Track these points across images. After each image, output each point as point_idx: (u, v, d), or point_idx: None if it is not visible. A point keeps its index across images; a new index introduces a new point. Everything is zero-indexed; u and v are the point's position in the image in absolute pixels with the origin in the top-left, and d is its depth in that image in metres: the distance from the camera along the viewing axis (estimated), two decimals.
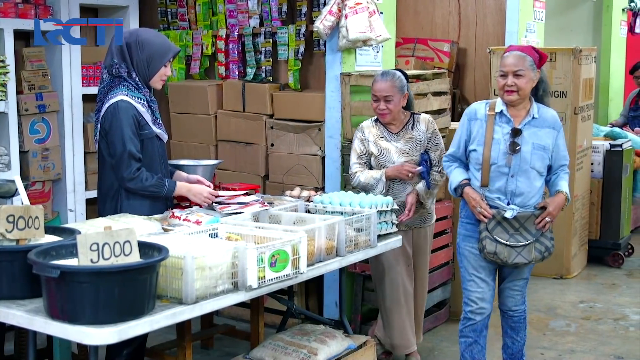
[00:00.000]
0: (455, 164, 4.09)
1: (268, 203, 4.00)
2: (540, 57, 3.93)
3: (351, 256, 3.74)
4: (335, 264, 3.65)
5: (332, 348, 3.72)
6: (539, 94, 3.99)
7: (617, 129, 7.98)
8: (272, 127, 5.39)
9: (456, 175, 4.04)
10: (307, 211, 4.04)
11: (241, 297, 3.11)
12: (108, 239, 2.69)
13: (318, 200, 4.11)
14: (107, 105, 3.77)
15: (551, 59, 6.48)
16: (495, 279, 4.10)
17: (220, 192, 4.03)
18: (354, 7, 4.85)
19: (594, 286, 6.49)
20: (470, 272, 4.05)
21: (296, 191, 4.37)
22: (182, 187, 3.89)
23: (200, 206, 3.94)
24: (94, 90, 5.66)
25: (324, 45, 5.21)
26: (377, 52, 5.32)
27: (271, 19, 5.53)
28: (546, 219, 3.88)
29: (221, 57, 5.75)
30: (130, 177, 3.70)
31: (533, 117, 3.93)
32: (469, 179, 4.01)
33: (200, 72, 5.91)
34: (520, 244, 3.89)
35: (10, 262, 2.88)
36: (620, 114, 9.43)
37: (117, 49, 3.80)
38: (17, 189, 3.40)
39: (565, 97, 6.49)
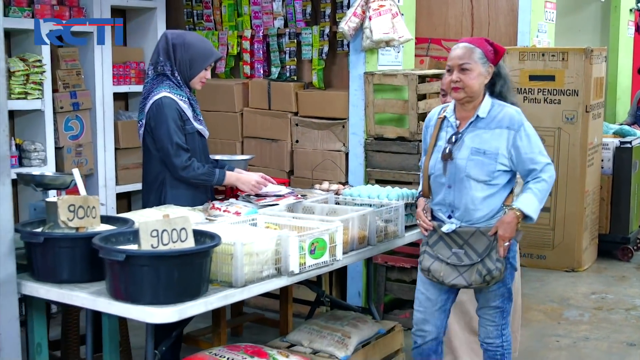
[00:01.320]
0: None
1: (301, 195, 4.21)
2: (495, 51, 3.49)
3: (381, 245, 3.95)
4: (367, 252, 3.86)
5: (364, 332, 3.94)
6: (495, 91, 3.55)
7: (627, 127, 8.18)
8: (297, 124, 5.60)
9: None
10: (337, 203, 4.25)
11: (284, 281, 3.33)
12: (166, 226, 2.91)
13: (347, 193, 4.33)
14: (151, 101, 3.98)
15: (563, 59, 6.71)
16: (452, 300, 3.70)
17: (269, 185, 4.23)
18: (378, 9, 5.07)
19: (605, 278, 6.70)
20: (417, 287, 3.70)
21: (325, 185, 4.57)
22: (231, 176, 4.09)
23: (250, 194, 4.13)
24: (124, 88, 5.93)
25: (348, 45, 5.43)
26: (398, 52, 5.53)
27: (295, 20, 5.74)
28: (503, 244, 3.44)
29: (246, 56, 5.96)
30: (184, 165, 3.91)
31: (478, 117, 3.51)
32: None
33: (226, 71, 6.12)
34: (463, 263, 3.49)
35: (72, 248, 3.10)
36: (628, 113, 9.64)
37: (164, 48, 4.01)
38: (71, 181, 3.62)
39: (577, 95, 6.70)
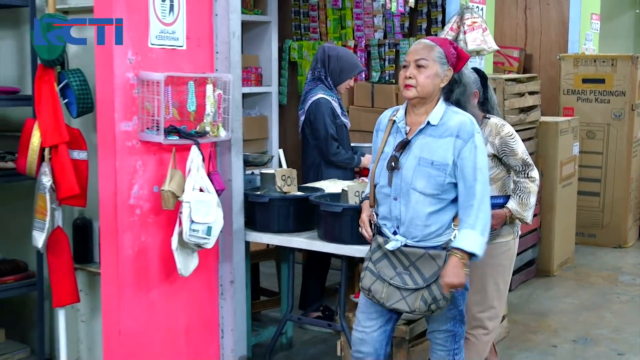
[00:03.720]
0: None
1: None
2: (458, 56, 3.24)
3: None
4: None
5: None
6: (452, 98, 3.26)
7: None
8: None
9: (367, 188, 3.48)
10: None
11: None
12: (362, 187, 4.04)
13: None
14: (310, 100, 5.11)
15: (612, 64, 7.82)
16: (394, 322, 3.45)
17: None
18: (471, 25, 6.18)
19: None
20: (359, 306, 3.45)
21: None
22: (366, 160, 5.22)
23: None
24: (246, 90, 7.05)
25: None
26: (481, 59, 6.65)
27: (394, 32, 6.87)
28: (449, 290, 3.16)
29: None
30: (334, 152, 5.03)
31: (428, 124, 3.20)
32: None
33: None
34: (407, 286, 3.21)
35: (286, 207, 4.23)
36: None
37: (321, 58, 5.13)
38: (268, 160, 4.76)
39: (624, 95, 7.80)
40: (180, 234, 3.76)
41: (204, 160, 3.84)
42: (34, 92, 4.00)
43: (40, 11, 4.22)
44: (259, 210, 4.26)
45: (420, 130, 3.21)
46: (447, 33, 6.24)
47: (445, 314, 3.32)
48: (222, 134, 3.96)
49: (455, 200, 3.22)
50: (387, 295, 3.25)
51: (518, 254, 6.33)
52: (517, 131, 6.14)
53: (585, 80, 7.96)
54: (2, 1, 4.14)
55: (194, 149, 3.80)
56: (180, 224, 3.75)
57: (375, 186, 3.33)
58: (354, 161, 5.15)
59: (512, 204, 3.82)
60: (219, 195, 3.88)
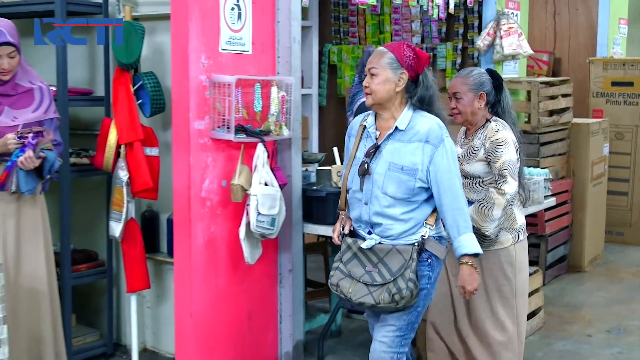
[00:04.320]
0: None
1: None
2: (417, 57, 3.21)
3: (530, 208, 5.34)
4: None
5: None
6: (415, 99, 3.23)
7: None
8: None
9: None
10: None
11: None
12: None
13: None
14: (357, 103, 5.38)
15: None
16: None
17: None
18: (508, 30, 6.47)
19: None
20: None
21: None
22: None
23: None
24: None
25: (477, 58, 6.84)
26: (516, 63, 6.94)
27: (431, 37, 7.18)
28: (470, 296, 3.33)
29: None
30: None
31: (396, 129, 3.23)
32: None
33: None
34: (375, 283, 3.24)
35: (334, 200, 4.52)
36: None
37: (363, 61, 5.42)
38: (321, 158, 5.06)
39: None
40: (248, 224, 4.07)
41: (268, 156, 4.15)
42: (111, 93, 4.33)
43: (112, 17, 4.56)
44: (316, 204, 4.56)
45: (389, 135, 3.25)
46: (483, 38, 6.54)
47: (398, 314, 3.27)
48: (285, 132, 4.26)
49: (426, 200, 3.26)
50: (354, 291, 3.29)
51: (550, 251, 6.68)
52: (550, 132, 6.53)
53: (614, 83, 8.21)
54: (75, 8, 4.46)
55: (260, 146, 4.11)
56: (248, 215, 4.06)
57: (348, 191, 3.38)
58: None
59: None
60: (281, 189, 4.18)
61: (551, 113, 6.64)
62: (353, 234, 3.39)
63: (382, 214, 3.24)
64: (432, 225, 3.28)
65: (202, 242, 4.09)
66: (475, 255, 3.26)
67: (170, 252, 4.54)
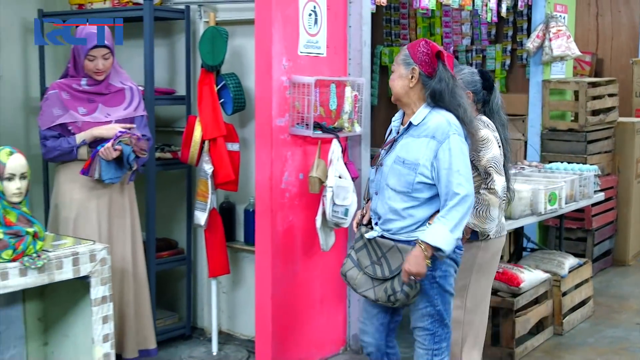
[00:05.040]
0: None
1: (521, 168, 5.91)
2: (429, 52, 3.29)
3: (581, 201, 5.63)
4: (573, 205, 5.53)
5: (570, 261, 5.61)
6: (427, 91, 3.32)
7: None
8: None
9: None
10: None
11: (534, 219, 5.03)
12: None
13: (548, 167, 6.02)
14: None
15: None
16: (390, 317, 3.60)
17: None
18: (556, 33, 6.74)
19: None
20: (363, 300, 3.65)
21: (526, 162, 6.26)
22: None
23: None
24: None
25: (526, 59, 7.12)
26: (562, 64, 7.20)
27: (481, 39, 7.46)
28: (407, 277, 3.26)
29: None
30: None
31: (410, 124, 3.34)
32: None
33: None
34: (377, 277, 3.37)
35: None
36: None
37: None
38: None
39: None
40: (323, 214, 4.40)
41: (342, 151, 4.48)
42: (195, 93, 4.69)
43: (193, 23, 4.93)
44: None
45: (404, 130, 3.37)
46: (533, 40, 6.82)
47: (421, 310, 3.38)
48: (357, 129, 4.59)
49: (431, 199, 3.31)
50: (359, 282, 3.43)
51: (596, 244, 6.93)
52: (596, 131, 6.79)
53: None
54: (161, 14, 4.82)
55: (335, 142, 4.44)
56: (323, 205, 4.40)
57: (369, 182, 3.58)
58: None
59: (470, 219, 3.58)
60: (353, 182, 4.51)
61: (595, 112, 6.89)
62: (370, 223, 3.51)
63: (386, 206, 3.36)
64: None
65: (281, 230, 4.43)
66: (436, 249, 3.21)
67: (247, 241, 4.91)
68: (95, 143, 3.99)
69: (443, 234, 3.19)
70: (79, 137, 3.99)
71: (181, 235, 5.16)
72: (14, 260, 3.31)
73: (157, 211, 4.91)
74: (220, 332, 5.11)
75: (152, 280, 4.75)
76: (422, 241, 3.21)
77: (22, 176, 3.42)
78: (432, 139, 3.24)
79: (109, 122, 4.10)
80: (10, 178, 3.38)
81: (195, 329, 5.29)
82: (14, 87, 5.44)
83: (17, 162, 3.40)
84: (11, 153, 3.42)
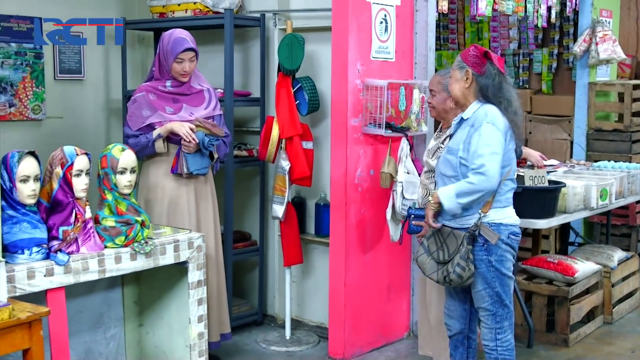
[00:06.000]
0: None
1: (570, 166, 6.22)
2: (477, 54, 3.67)
3: (629, 197, 5.91)
4: (622, 201, 5.82)
5: (618, 254, 5.91)
6: (484, 93, 3.70)
7: None
8: (530, 120, 7.61)
9: None
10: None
11: (587, 213, 5.33)
12: (535, 173, 4.96)
13: (596, 165, 6.32)
14: None
15: None
16: (470, 300, 3.92)
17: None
18: (603, 37, 7.03)
19: None
20: (446, 288, 3.98)
21: (574, 161, 6.56)
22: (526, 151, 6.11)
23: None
24: None
25: (572, 62, 7.41)
26: (607, 67, 7.49)
27: (528, 43, 7.77)
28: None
29: None
30: None
31: (462, 119, 3.74)
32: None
33: None
34: (440, 260, 3.74)
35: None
36: None
37: None
38: None
39: None
40: (393, 207, 4.75)
41: (409, 149, 4.82)
42: (273, 95, 5.06)
43: (267, 30, 5.30)
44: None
45: (457, 125, 3.76)
46: (580, 44, 7.12)
47: (480, 292, 3.72)
48: (424, 128, 4.94)
49: None
50: (428, 266, 3.79)
51: None
52: (636, 132, 7.03)
53: None
54: (239, 22, 5.19)
55: (404, 140, 4.79)
56: (393, 199, 4.74)
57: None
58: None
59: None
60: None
61: (635, 113, 7.12)
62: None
63: None
64: (486, 214, 3.64)
65: (354, 222, 4.79)
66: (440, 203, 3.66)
67: (317, 233, 5.26)
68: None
69: (448, 193, 3.62)
70: (155, 132, 4.31)
71: (253, 228, 5.53)
72: (125, 245, 3.69)
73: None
74: (290, 319, 5.46)
75: (230, 270, 5.10)
76: (436, 195, 3.67)
77: (132, 170, 3.80)
78: (471, 127, 3.62)
79: (193, 120, 4.40)
80: (123, 172, 3.77)
81: (265, 316, 5.64)
82: (97, 89, 5.85)
83: (128, 158, 3.79)
84: (123, 149, 3.81)
